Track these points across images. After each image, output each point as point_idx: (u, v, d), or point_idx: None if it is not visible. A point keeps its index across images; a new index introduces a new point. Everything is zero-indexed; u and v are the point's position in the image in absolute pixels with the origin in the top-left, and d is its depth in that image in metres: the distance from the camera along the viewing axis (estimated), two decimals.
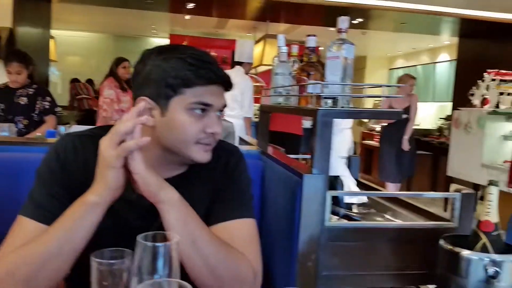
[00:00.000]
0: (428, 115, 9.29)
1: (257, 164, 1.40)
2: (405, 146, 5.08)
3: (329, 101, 1.23)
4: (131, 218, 0.94)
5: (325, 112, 1.09)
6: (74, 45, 9.66)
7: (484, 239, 1.07)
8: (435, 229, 1.20)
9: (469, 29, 7.11)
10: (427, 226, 1.22)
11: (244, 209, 0.97)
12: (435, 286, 1.10)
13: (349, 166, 1.79)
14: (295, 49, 1.61)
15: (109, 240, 0.75)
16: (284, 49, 1.56)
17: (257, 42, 7.25)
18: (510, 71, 5.07)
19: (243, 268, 0.92)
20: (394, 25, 7.35)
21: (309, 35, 1.32)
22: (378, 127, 7.98)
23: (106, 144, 0.82)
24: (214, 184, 1.00)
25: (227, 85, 0.95)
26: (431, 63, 9.52)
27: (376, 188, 1.64)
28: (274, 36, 7.19)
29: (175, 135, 0.91)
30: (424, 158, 6.02)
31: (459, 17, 6.49)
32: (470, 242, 1.09)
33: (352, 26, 7.38)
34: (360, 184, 1.72)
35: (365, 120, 9.88)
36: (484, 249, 1.06)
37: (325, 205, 1.11)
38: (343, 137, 4.66)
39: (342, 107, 1.22)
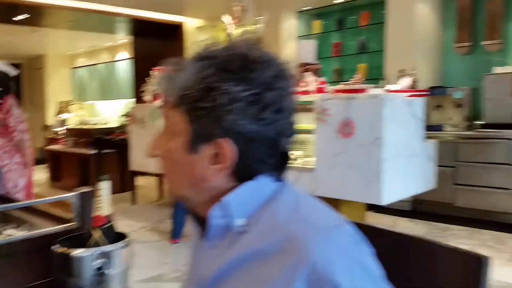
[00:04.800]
0: (113, 113, 9.45)
1: None
2: None
3: None
4: None
5: None
6: None
7: (96, 234, 1.10)
8: (59, 234, 1.16)
9: (140, 29, 7.52)
10: (48, 232, 1.17)
11: None
12: None
13: None
14: None
15: None
16: None
17: None
18: None
19: None
20: (67, 23, 7.10)
21: None
22: (62, 130, 7.62)
23: None
24: None
25: None
26: (112, 61, 9.70)
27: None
28: None
29: None
30: (110, 156, 6.09)
31: (130, 17, 6.80)
32: (86, 239, 1.10)
33: (18, 22, 6.72)
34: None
35: (49, 124, 9.29)
36: (98, 244, 1.09)
37: None
38: None
39: None
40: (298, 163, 3.46)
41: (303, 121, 3.51)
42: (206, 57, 0.69)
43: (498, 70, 4.39)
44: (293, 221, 0.65)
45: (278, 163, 0.71)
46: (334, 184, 3.05)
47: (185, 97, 0.68)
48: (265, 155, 0.69)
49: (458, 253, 0.75)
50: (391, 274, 0.76)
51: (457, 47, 4.88)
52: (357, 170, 2.94)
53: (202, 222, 0.74)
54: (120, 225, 4.13)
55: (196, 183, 0.71)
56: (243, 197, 0.69)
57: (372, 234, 0.73)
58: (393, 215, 4.44)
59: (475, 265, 0.71)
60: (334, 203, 3.13)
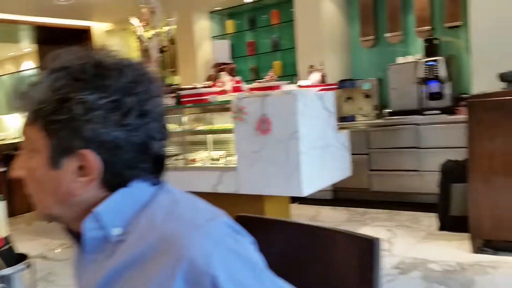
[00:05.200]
0: (19, 127, 8.84)
1: None
2: None
3: None
4: None
5: None
6: None
7: None
8: None
9: (45, 36, 7.13)
10: None
11: None
12: None
13: None
14: None
15: None
16: None
17: None
18: None
19: None
20: None
21: None
22: None
23: None
24: None
25: None
26: (17, 71, 9.10)
27: None
28: None
29: None
30: None
31: (33, 25, 6.41)
32: None
33: None
34: None
35: None
36: None
37: None
38: None
39: None
40: (220, 163, 3.46)
41: (222, 121, 3.52)
42: (59, 68, 0.67)
43: (400, 60, 4.69)
44: (168, 221, 0.65)
45: (153, 167, 0.70)
46: (256, 181, 3.09)
47: (39, 111, 0.66)
48: (136, 160, 0.68)
49: (354, 237, 0.79)
50: (293, 264, 0.78)
51: (363, 40, 5.15)
52: (276, 165, 3.01)
53: (79, 237, 0.71)
54: (38, 245, 3.89)
55: (64, 199, 0.68)
56: (116, 206, 0.68)
57: (272, 226, 0.74)
58: (316, 205, 4.59)
59: (368, 247, 0.75)
60: (258, 199, 3.18)
